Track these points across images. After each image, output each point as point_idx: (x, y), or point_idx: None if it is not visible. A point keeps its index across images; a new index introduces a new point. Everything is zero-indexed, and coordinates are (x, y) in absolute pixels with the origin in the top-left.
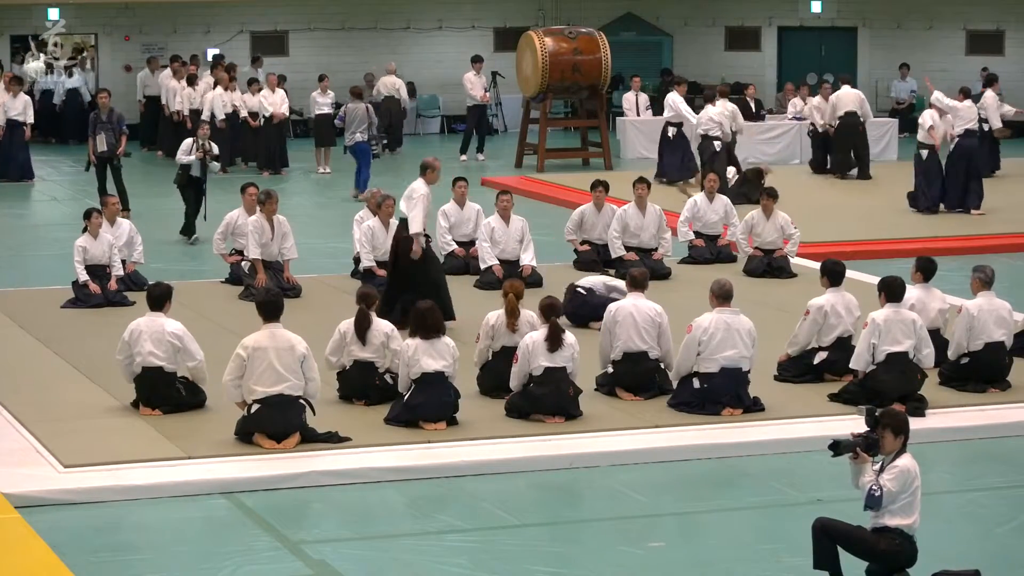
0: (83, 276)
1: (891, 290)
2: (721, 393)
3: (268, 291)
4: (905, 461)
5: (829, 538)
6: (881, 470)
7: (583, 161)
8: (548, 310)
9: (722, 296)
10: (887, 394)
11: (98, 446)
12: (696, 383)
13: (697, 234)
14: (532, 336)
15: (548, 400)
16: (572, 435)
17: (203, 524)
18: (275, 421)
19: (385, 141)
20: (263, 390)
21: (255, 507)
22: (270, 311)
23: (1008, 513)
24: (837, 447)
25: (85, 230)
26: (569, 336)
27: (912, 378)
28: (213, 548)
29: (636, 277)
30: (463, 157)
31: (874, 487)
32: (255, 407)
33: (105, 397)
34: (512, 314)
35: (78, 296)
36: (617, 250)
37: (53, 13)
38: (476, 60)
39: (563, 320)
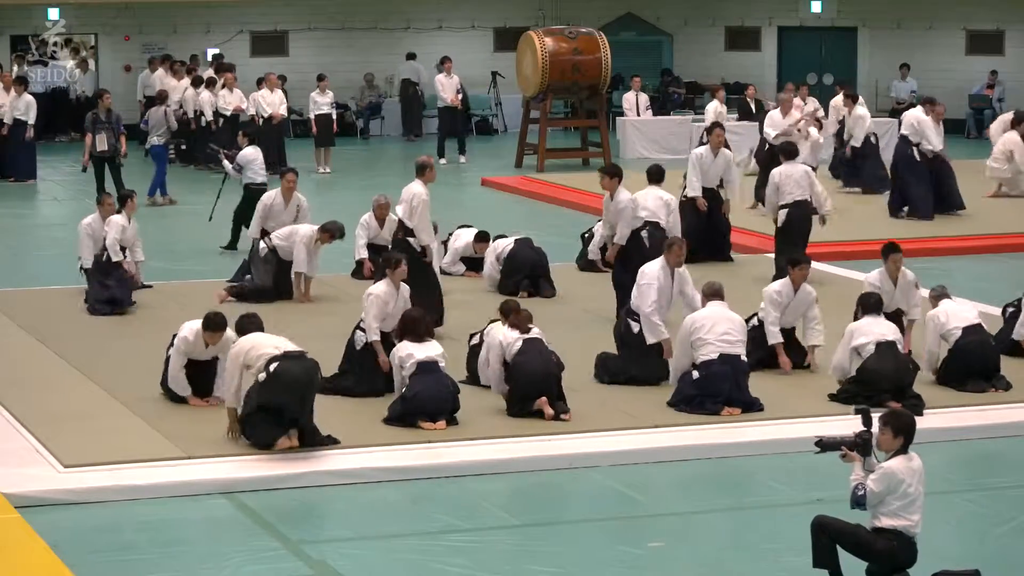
0: (88, 262)
1: (867, 306)
2: (721, 381)
3: (247, 316)
4: (894, 463)
5: (828, 536)
6: None
7: (583, 161)
8: (506, 307)
9: (712, 294)
10: (882, 385)
11: (98, 446)
12: (695, 374)
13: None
14: (503, 335)
15: (533, 363)
16: (572, 435)
17: (203, 524)
18: (298, 371)
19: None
20: (274, 349)
21: (255, 507)
22: (252, 329)
23: (1008, 513)
24: (822, 444)
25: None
26: (536, 329)
27: (904, 367)
28: (213, 548)
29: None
30: (443, 161)
31: (859, 486)
32: (273, 365)
33: (105, 397)
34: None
35: (95, 300)
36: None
37: (53, 13)
38: (445, 61)
39: None
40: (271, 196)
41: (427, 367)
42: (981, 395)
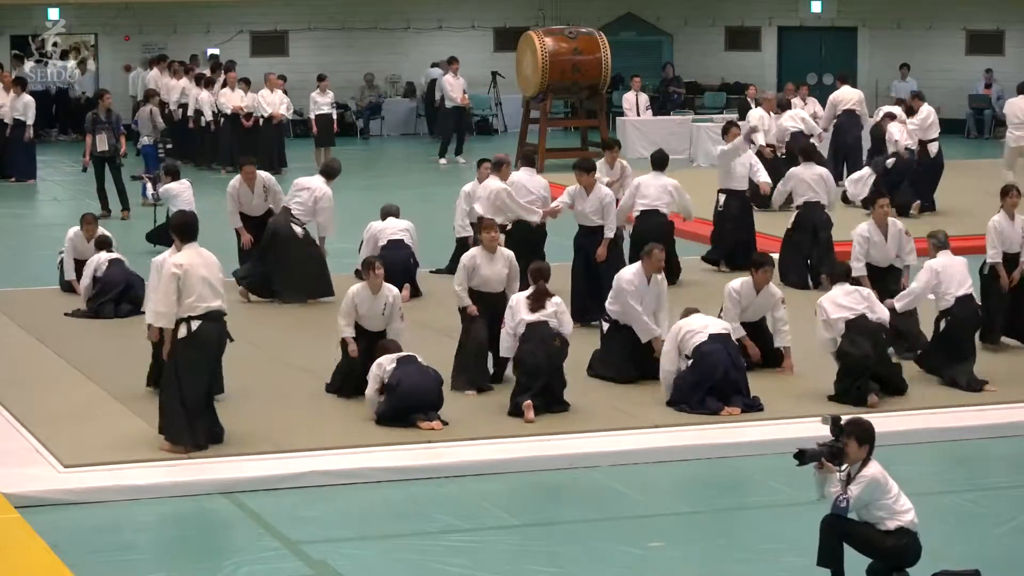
0: (70, 274)
1: (837, 276)
2: (715, 357)
3: (184, 213)
4: (872, 469)
5: (837, 535)
6: (848, 479)
7: None
8: (536, 273)
9: (688, 312)
10: (864, 362)
11: (98, 446)
12: (689, 362)
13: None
14: (516, 296)
15: (537, 354)
16: (572, 435)
17: (203, 524)
18: (214, 335)
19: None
20: (204, 305)
21: (255, 507)
22: (188, 232)
23: (1008, 513)
24: (803, 456)
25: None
26: (555, 299)
27: (882, 340)
28: (213, 548)
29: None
30: (442, 160)
31: (841, 498)
32: (195, 323)
33: (105, 397)
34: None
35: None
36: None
37: (53, 13)
38: (452, 61)
39: None
40: (235, 187)
41: (407, 360)
42: (980, 395)
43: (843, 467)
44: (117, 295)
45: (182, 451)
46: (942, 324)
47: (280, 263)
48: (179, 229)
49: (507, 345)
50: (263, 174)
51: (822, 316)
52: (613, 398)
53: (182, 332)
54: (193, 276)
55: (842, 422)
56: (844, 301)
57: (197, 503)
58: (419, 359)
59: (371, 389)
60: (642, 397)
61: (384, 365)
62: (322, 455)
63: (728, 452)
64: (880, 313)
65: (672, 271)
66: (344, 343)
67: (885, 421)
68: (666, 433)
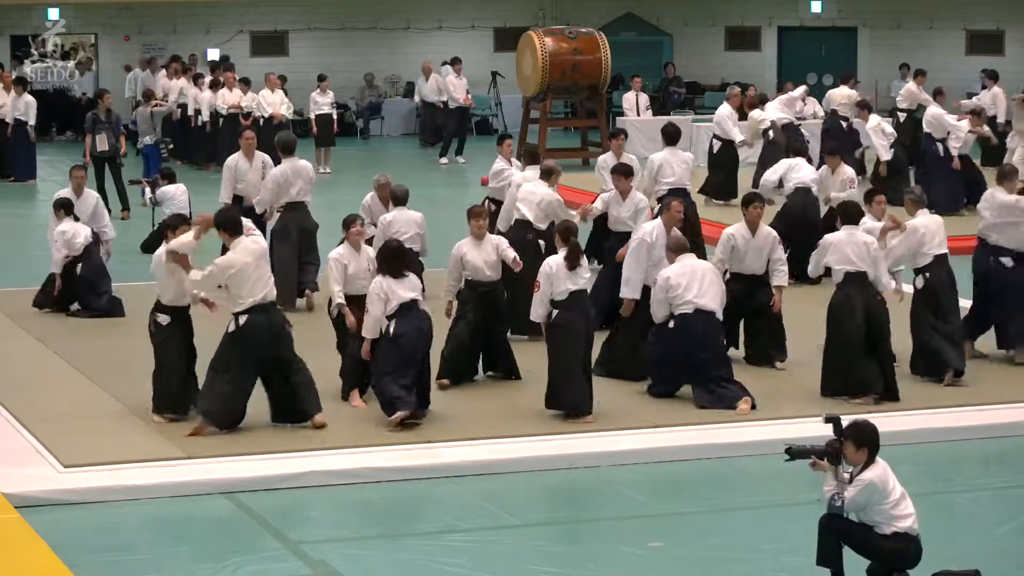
0: (58, 268)
1: (847, 216)
2: (694, 335)
3: (226, 210)
4: (871, 473)
5: (835, 535)
6: (851, 480)
7: (583, 161)
8: (566, 232)
9: (679, 248)
10: (854, 312)
11: (98, 446)
12: (671, 324)
13: None
14: (553, 260)
15: (577, 322)
16: (572, 435)
17: (203, 524)
18: (266, 328)
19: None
20: (253, 300)
21: (255, 507)
22: (236, 226)
23: (1008, 513)
24: (791, 452)
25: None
26: (584, 260)
27: (872, 294)
28: (213, 548)
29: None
30: (443, 160)
31: (836, 497)
32: (243, 318)
33: (105, 397)
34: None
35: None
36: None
37: (53, 13)
38: (455, 62)
39: None
40: (234, 160)
41: (407, 308)
42: (980, 393)
43: (842, 467)
44: (102, 289)
45: (212, 431)
46: (919, 282)
47: (315, 258)
48: (227, 225)
49: (540, 312)
50: (262, 154)
51: (826, 257)
52: (613, 398)
53: (231, 327)
54: (245, 273)
55: (843, 423)
56: (850, 253)
57: (197, 503)
58: (419, 303)
59: (376, 310)
60: (642, 397)
61: (389, 303)
62: (322, 455)
63: (728, 452)
64: (879, 271)
65: None
66: (341, 314)
67: (885, 421)
68: (666, 433)
